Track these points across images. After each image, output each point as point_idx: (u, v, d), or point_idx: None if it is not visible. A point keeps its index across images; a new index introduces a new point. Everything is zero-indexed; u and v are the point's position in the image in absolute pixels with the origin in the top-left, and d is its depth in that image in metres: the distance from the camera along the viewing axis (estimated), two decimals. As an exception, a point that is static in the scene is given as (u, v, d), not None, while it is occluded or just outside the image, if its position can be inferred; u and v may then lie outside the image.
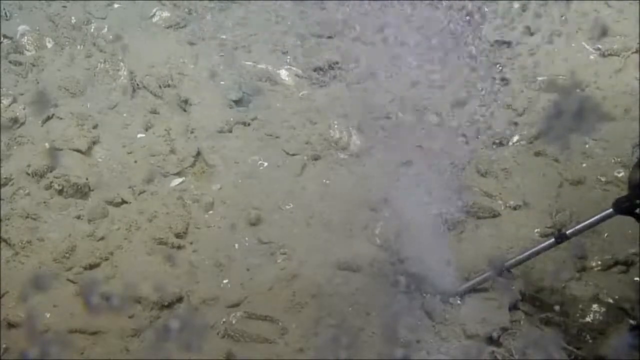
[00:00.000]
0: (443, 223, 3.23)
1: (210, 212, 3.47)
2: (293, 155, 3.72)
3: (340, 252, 3.26)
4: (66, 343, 2.86)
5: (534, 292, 3.11)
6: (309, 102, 3.97)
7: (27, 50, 4.16)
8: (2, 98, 3.83)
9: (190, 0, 4.48)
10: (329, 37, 4.16)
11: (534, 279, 3.15)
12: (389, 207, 3.33)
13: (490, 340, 2.92)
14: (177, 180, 3.61)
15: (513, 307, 3.03)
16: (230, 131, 3.85)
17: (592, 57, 4.22)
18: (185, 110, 3.94)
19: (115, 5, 4.47)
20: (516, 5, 4.16)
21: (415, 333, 2.91)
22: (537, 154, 3.72)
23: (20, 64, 4.07)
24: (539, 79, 4.08)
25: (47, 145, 3.67)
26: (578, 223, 2.88)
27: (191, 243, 3.35)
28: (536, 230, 3.38)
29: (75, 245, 3.27)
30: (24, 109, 3.83)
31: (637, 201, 2.62)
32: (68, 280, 3.15)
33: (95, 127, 3.80)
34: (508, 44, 4.20)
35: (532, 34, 4.23)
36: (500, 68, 3.96)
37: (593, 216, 2.79)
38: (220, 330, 2.97)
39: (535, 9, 4.25)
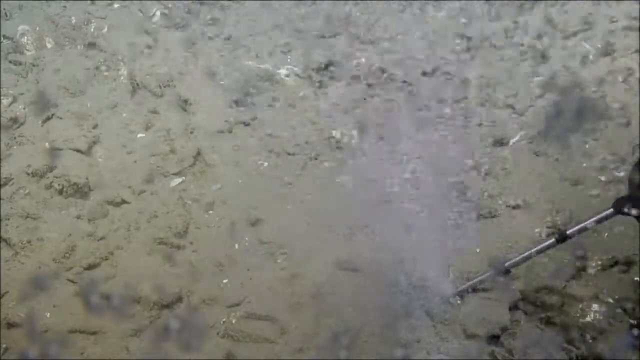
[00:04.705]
0: (443, 223, 3.23)
1: (210, 212, 3.48)
2: (293, 155, 3.73)
3: (340, 252, 3.26)
4: (66, 343, 2.87)
5: (534, 292, 3.11)
6: (308, 102, 3.97)
7: (27, 50, 4.16)
8: (2, 98, 3.84)
9: (190, 0, 4.49)
10: (329, 37, 4.16)
11: (534, 279, 3.15)
12: (389, 207, 3.33)
13: (491, 340, 2.92)
14: (177, 180, 3.61)
15: (513, 307, 3.03)
16: (230, 131, 3.85)
17: (592, 57, 4.22)
18: (185, 110, 3.94)
19: (115, 5, 4.47)
20: (515, 5, 4.16)
21: (415, 333, 2.92)
22: (537, 154, 3.72)
23: (20, 64, 4.08)
24: (539, 79, 4.08)
25: (47, 145, 3.67)
26: (578, 223, 2.88)
27: (191, 243, 3.35)
28: (536, 230, 3.38)
29: (75, 245, 3.27)
30: (24, 109, 3.84)
31: (637, 201, 2.61)
32: (68, 280, 3.15)
33: (95, 127, 3.80)
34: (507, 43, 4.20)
35: (531, 34, 4.23)
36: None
37: (593, 216, 2.79)
38: (220, 330, 2.97)
39: (535, 9, 4.25)
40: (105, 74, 4.04)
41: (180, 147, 3.74)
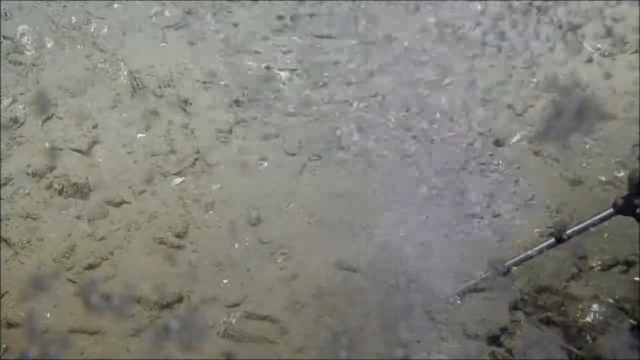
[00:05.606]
0: (443, 223, 3.23)
1: (210, 212, 3.48)
2: (293, 155, 3.73)
3: (340, 252, 3.26)
4: (66, 343, 2.87)
5: (534, 292, 3.11)
6: (309, 102, 3.97)
7: (27, 50, 4.16)
8: (2, 98, 3.83)
9: (190, 0, 4.48)
10: (329, 37, 4.16)
11: (534, 279, 3.15)
12: (389, 207, 3.33)
13: (490, 340, 2.92)
14: (177, 180, 3.61)
15: (513, 307, 3.03)
16: (230, 131, 3.85)
17: (592, 57, 4.21)
18: (185, 110, 3.94)
19: (115, 5, 4.47)
20: (515, 5, 4.16)
21: (415, 333, 2.92)
22: (537, 154, 3.72)
23: (20, 64, 4.07)
24: (539, 79, 4.07)
25: (47, 145, 3.67)
26: (578, 223, 2.88)
27: (191, 243, 3.35)
28: (536, 230, 3.38)
29: (75, 245, 3.27)
30: (24, 109, 3.84)
31: (637, 201, 2.61)
32: (68, 280, 3.15)
33: (95, 127, 3.80)
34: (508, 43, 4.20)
35: (532, 34, 4.23)
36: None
37: (593, 216, 2.79)
38: (220, 330, 2.97)
39: (536, 10, 4.25)
40: (105, 74, 4.04)
41: (180, 147, 3.74)
